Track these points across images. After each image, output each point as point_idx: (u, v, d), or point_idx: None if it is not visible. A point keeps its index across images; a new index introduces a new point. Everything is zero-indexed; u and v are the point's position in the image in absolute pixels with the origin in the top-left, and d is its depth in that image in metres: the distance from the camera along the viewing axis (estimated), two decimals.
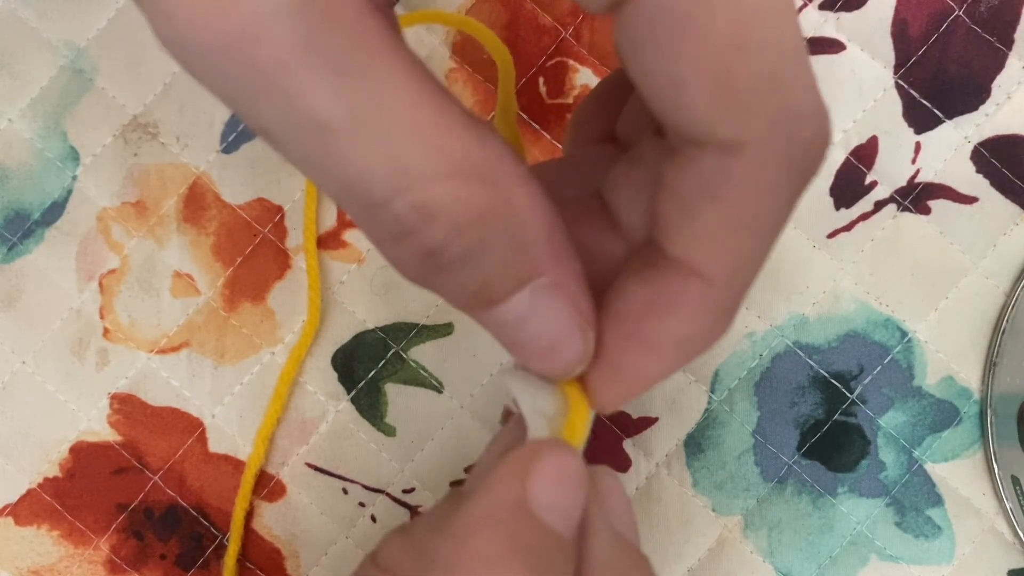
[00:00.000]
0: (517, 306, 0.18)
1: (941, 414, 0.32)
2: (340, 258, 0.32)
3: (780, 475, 0.32)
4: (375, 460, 0.32)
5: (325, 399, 0.32)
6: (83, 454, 0.32)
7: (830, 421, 0.32)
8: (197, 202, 0.32)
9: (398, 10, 0.32)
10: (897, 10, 0.32)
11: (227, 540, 0.32)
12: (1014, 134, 0.32)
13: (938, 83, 0.32)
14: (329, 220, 0.32)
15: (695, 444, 0.32)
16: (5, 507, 0.32)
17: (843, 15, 0.32)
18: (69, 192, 0.32)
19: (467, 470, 0.32)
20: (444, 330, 0.32)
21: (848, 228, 0.32)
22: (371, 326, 0.32)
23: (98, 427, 0.32)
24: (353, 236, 0.32)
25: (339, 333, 0.32)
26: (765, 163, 0.17)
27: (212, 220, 0.32)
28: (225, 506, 0.32)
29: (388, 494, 0.32)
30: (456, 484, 0.32)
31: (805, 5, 0.32)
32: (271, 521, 0.32)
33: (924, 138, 0.32)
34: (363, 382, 0.32)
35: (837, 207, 0.32)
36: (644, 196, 0.20)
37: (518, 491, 0.18)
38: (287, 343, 0.32)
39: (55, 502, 0.32)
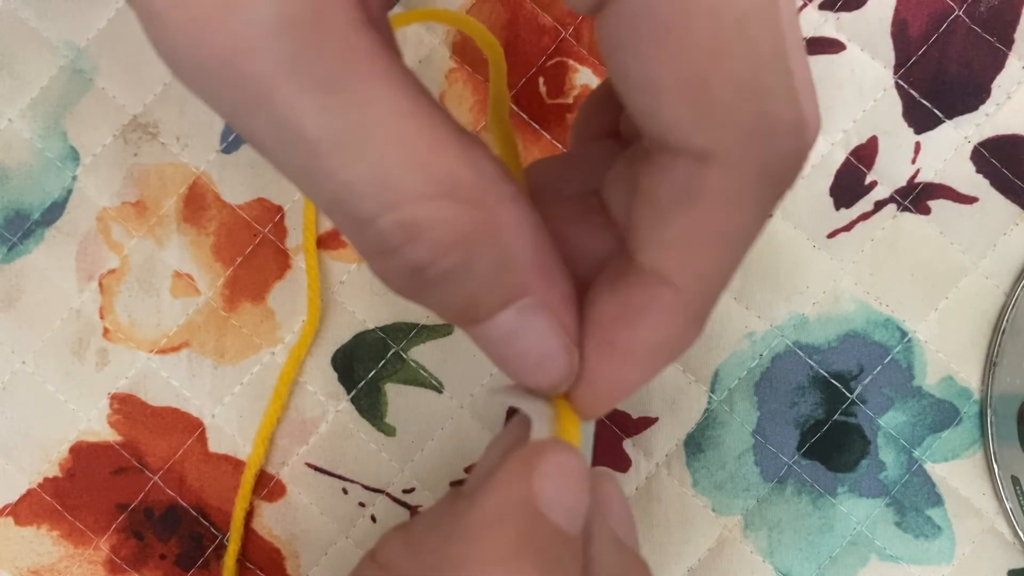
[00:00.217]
0: (503, 324, 0.18)
1: (941, 414, 0.32)
2: (340, 258, 0.32)
3: (780, 475, 0.32)
4: (375, 460, 0.32)
5: (325, 399, 0.32)
6: (83, 454, 0.32)
7: (830, 421, 0.32)
8: (197, 202, 0.32)
9: (397, 9, 0.32)
10: (897, 10, 0.32)
11: (227, 540, 0.32)
12: (1014, 134, 0.32)
13: (938, 83, 0.32)
14: (329, 220, 0.32)
15: (695, 444, 0.32)
16: (5, 507, 0.32)
17: (843, 15, 0.32)
18: (69, 192, 0.32)
19: (467, 470, 0.32)
20: (444, 330, 0.32)
21: (848, 228, 0.32)
22: (371, 326, 0.32)
23: (98, 427, 0.32)
24: None
25: (339, 333, 0.32)
26: (739, 174, 0.17)
27: (212, 220, 0.32)
28: (225, 506, 0.32)
29: (388, 494, 0.32)
30: (456, 484, 0.32)
31: (805, 5, 0.32)
32: (271, 521, 0.32)
33: (924, 138, 0.32)
34: (363, 382, 0.32)
35: (837, 207, 0.32)
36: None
37: (524, 489, 0.18)
38: (287, 343, 0.32)
39: (55, 502, 0.32)
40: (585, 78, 0.32)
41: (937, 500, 0.32)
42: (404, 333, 0.32)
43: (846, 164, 0.32)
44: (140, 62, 0.32)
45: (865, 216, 0.32)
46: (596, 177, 0.21)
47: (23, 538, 0.32)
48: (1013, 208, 0.32)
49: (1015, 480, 0.32)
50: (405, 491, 0.32)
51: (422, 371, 0.32)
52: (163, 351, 0.32)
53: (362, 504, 0.32)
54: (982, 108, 0.32)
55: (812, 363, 0.32)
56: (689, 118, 0.16)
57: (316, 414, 0.32)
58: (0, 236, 0.32)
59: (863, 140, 0.32)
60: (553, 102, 0.32)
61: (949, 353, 0.32)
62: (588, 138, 0.23)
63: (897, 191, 0.32)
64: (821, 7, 0.32)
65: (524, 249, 0.18)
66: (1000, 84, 0.32)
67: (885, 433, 0.32)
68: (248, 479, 0.32)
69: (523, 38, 0.32)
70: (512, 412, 0.32)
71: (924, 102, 0.32)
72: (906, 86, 0.32)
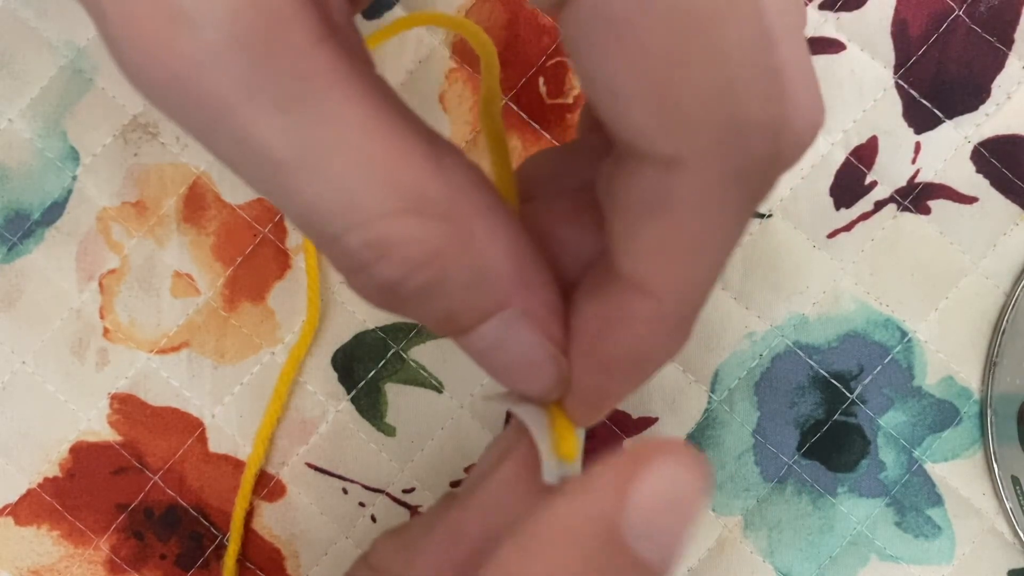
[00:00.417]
0: (487, 335, 0.18)
1: (941, 414, 0.32)
2: None
3: (780, 475, 0.32)
4: (375, 460, 0.32)
5: (325, 399, 0.32)
6: (83, 454, 0.32)
7: (830, 421, 0.32)
8: (197, 202, 0.32)
9: (398, 11, 0.32)
10: (897, 10, 0.32)
11: (227, 540, 0.32)
12: (1014, 134, 0.32)
13: (938, 83, 0.32)
14: None
15: (695, 444, 0.32)
16: (5, 507, 0.32)
17: (843, 15, 0.32)
18: (69, 192, 0.32)
19: (467, 470, 0.32)
20: None
21: (848, 228, 0.32)
22: (371, 326, 0.32)
23: (98, 427, 0.32)
24: None
25: (339, 333, 0.32)
26: (709, 180, 0.15)
27: (212, 220, 0.32)
28: (225, 506, 0.32)
29: (388, 494, 0.32)
30: (456, 484, 0.32)
31: (805, 5, 0.32)
32: (271, 521, 0.32)
33: (924, 138, 0.32)
34: (363, 382, 0.32)
35: (837, 207, 0.32)
36: None
37: (612, 506, 0.15)
38: (287, 343, 0.32)
39: (55, 502, 0.32)
40: None
41: (937, 500, 0.32)
42: (404, 333, 0.32)
43: (846, 164, 0.32)
44: None
45: (865, 216, 0.32)
46: (596, 168, 0.21)
47: (23, 538, 0.32)
48: (1013, 208, 0.32)
49: (1015, 480, 0.32)
50: (405, 491, 0.32)
51: (422, 371, 0.32)
52: (163, 351, 0.32)
53: (362, 504, 0.32)
54: (982, 108, 0.32)
55: (812, 363, 0.32)
56: (653, 124, 0.15)
57: (316, 414, 0.32)
58: (0, 236, 0.32)
59: (863, 140, 0.32)
60: (553, 102, 0.32)
61: (949, 353, 0.32)
62: (591, 129, 0.22)
63: (897, 191, 0.32)
64: (821, 7, 0.32)
65: (501, 261, 0.17)
66: (1000, 84, 0.32)
67: (885, 433, 0.32)
68: (248, 479, 0.32)
69: (523, 38, 0.32)
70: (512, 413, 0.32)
71: (924, 102, 0.32)
72: (906, 86, 0.32)
